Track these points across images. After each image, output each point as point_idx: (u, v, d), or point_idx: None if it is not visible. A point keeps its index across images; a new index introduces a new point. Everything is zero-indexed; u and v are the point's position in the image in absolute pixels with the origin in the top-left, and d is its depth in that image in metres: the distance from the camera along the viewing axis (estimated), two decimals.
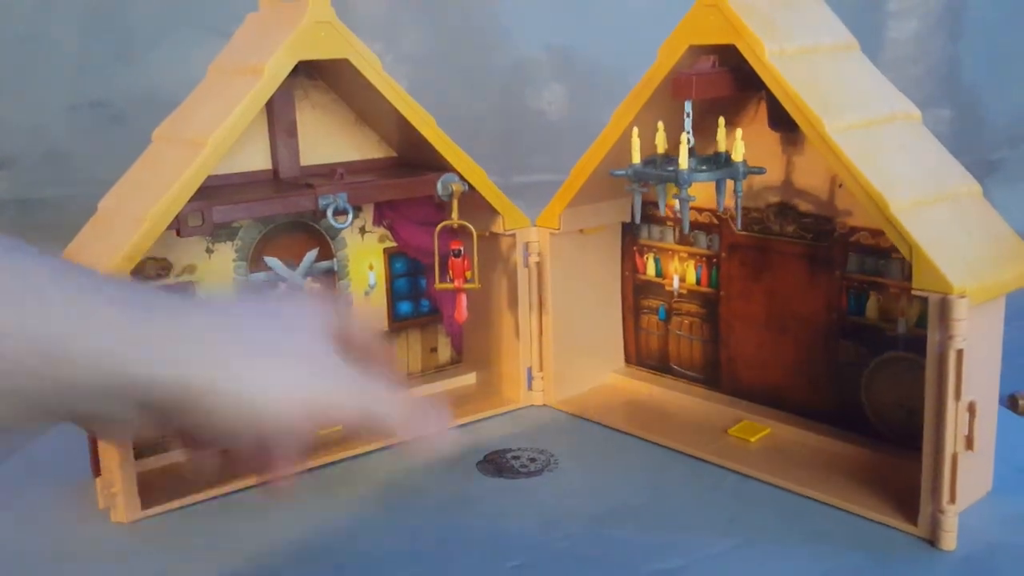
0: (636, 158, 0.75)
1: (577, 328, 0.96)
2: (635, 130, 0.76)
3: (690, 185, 0.72)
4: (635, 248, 0.98)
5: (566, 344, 0.96)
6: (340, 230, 0.87)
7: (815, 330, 0.84)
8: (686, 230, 0.77)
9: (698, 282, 0.93)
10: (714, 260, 0.92)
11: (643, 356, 1.00)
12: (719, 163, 0.76)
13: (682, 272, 0.94)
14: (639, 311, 0.99)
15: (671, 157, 0.78)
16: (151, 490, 0.78)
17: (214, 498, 0.79)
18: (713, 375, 0.94)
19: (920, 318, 0.77)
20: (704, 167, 0.75)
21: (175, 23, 1.42)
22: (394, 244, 0.97)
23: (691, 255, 0.94)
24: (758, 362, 0.90)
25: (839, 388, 0.84)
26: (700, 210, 0.91)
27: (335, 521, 0.75)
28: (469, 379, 1.01)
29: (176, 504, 0.77)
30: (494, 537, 0.72)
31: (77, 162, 1.53)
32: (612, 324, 1.01)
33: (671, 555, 0.69)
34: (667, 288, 0.96)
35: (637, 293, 0.99)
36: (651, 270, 0.97)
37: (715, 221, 0.91)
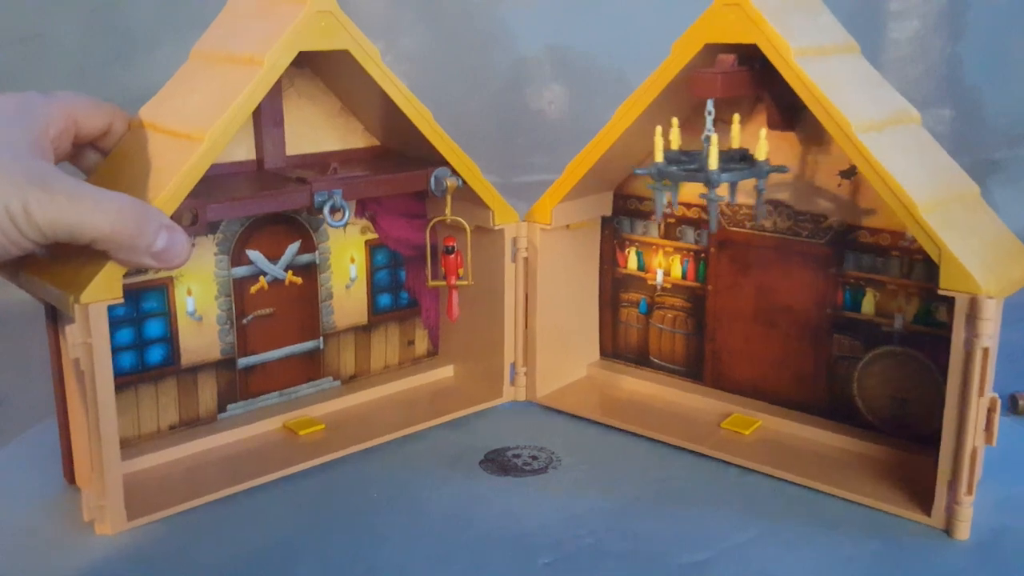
0: (659, 156, 0.75)
1: (558, 322, 0.96)
2: (658, 129, 0.75)
3: (719, 185, 0.72)
4: (615, 242, 0.98)
5: (547, 338, 0.95)
6: (337, 227, 0.83)
7: (808, 325, 0.86)
8: (713, 230, 0.77)
9: (684, 276, 0.94)
10: (702, 255, 0.92)
11: (621, 349, 1.00)
12: (735, 159, 0.76)
13: (667, 266, 0.95)
14: (618, 305, 0.99)
15: (688, 153, 0.78)
16: (135, 499, 0.73)
17: (205, 504, 0.75)
18: (695, 368, 0.95)
19: (918, 314, 0.80)
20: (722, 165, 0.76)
21: (175, 23, 1.35)
22: (375, 236, 0.94)
23: (677, 249, 0.94)
24: (745, 356, 0.91)
25: (831, 382, 0.86)
26: (689, 205, 0.92)
27: (348, 526, 0.73)
28: (447, 372, 0.99)
29: (165, 513, 0.73)
30: (518, 536, 0.71)
31: None
32: (590, 318, 1.00)
33: (697, 547, 0.70)
34: (650, 282, 0.96)
35: (616, 287, 0.99)
36: (633, 264, 0.97)
37: (704, 216, 0.91)
